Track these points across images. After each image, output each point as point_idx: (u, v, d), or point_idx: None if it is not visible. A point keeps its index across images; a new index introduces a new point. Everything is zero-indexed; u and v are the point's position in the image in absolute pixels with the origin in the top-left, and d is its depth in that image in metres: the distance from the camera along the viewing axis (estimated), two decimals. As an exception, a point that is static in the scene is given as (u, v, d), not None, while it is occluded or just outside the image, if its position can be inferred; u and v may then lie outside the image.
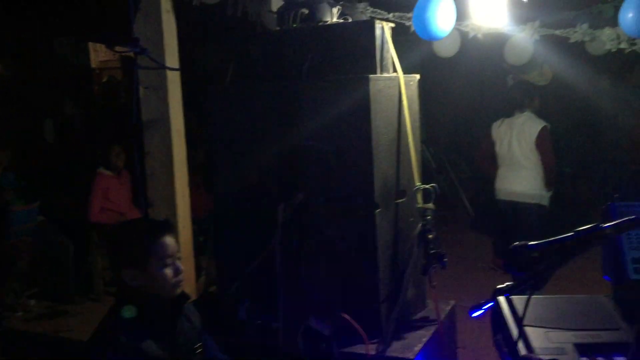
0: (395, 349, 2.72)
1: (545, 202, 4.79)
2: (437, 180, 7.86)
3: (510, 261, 1.47)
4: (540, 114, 4.87)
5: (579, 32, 4.87)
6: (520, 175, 4.78)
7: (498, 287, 1.69)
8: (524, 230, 4.78)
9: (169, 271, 2.00)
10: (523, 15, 4.95)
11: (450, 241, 6.55)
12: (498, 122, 4.95)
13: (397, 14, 4.54)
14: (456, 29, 4.47)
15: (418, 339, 2.83)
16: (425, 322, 3.03)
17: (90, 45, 8.65)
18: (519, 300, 1.82)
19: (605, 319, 1.83)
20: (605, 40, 4.81)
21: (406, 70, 3.21)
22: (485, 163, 5.16)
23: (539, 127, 4.72)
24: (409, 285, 2.96)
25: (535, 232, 4.68)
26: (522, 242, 1.47)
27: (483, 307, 1.79)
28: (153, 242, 1.99)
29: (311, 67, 3.04)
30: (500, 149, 4.89)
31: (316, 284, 2.92)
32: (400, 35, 3.97)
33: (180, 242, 3.45)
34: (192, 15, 4.23)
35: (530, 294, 1.60)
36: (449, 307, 3.27)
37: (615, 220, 1.71)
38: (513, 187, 4.84)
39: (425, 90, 8.94)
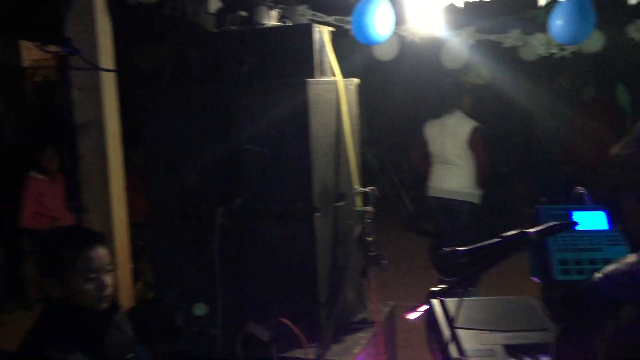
0: (334, 352, 2.73)
1: (476, 200, 4.93)
2: (379, 181, 8.00)
3: (440, 266, 1.50)
4: (472, 114, 4.99)
5: (512, 38, 5.04)
6: (453, 174, 4.91)
7: (432, 289, 1.72)
8: (458, 229, 4.91)
9: (91, 286, 1.93)
10: (459, 21, 5.08)
11: (392, 241, 6.65)
12: (430, 122, 5.06)
13: (337, 17, 4.57)
14: (395, 33, 4.54)
15: (357, 342, 2.85)
16: (364, 324, 3.06)
17: (23, 43, 8.32)
18: (452, 302, 1.86)
19: (534, 320, 1.90)
20: (536, 45, 4.99)
21: (349, 73, 3.23)
22: (419, 162, 5.28)
23: (470, 128, 4.83)
24: (348, 288, 2.98)
25: (469, 231, 4.81)
26: (451, 248, 1.51)
27: (418, 310, 1.83)
28: (77, 254, 1.92)
29: (249, 71, 3.01)
30: (433, 148, 5.01)
31: (255, 289, 2.90)
32: (341, 38, 4.00)
33: (117, 248, 3.36)
34: (128, 15, 4.13)
35: (462, 297, 1.63)
36: (388, 309, 3.31)
37: (542, 224, 1.77)
38: (445, 185, 4.96)
39: (368, 92, 9.04)
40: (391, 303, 3.37)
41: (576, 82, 6.35)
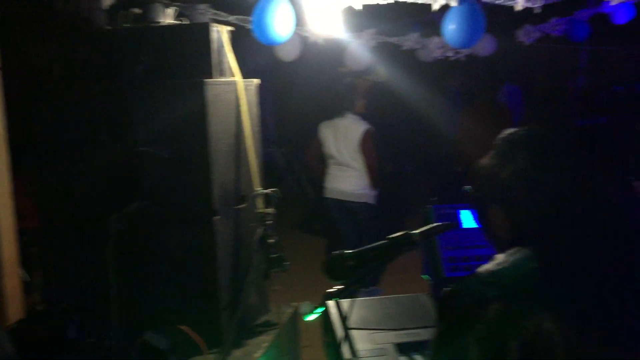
0: (235, 357, 2.70)
1: (372, 200, 5.02)
2: (286, 180, 8.00)
3: (328, 270, 1.52)
4: (366, 116, 5.05)
5: (411, 41, 5.20)
6: (348, 175, 4.98)
7: (327, 291, 1.73)
8: (359, 229, 5.00)
9: None
10: (360, 23, 5.18)
11: (298, 241, 6.69)
12: (325, 124, 5.09)
13: (239, 16, 4.53)
14: (297, 33, 4.56)
15: (259, 345, 2.84)
16: (266, 326, 3.05)
17: None
18: (346, 303, 1.89)
19: (424, 317, 1.96)
20: (433, 48, 5.17)
21: (255, 73, 3.19)
22: (313, 163, 5.31)
23: (362, 130, 4.88)
24: (250, 291, 2.96)
25: (370, 231, 4.90)
26: (339, 252, 1.52)
27: (314, 312, 1.84)
28: None
29: (145, 70, 2.92)
30: (328, 150, 5.05)
31: (154, 296, 2.82)
32: (245, 37, 3.96)
33: (4, 257, 3.16)
34: (17, 8, 3.89)
35: (355, 298, 1.65)
36: (292, 310, 3.31)
37: (432, 223, 1.83)
38: (341, 187, 5.03)
39: (275, 91, 9.01)
40: (294, 304, 3.38)
41: (466, 84, 6.64)
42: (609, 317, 1.23)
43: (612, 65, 8.84)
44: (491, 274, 1.29)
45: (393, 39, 5.13)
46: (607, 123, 8.46)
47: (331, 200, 5.13)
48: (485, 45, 5.42)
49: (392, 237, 1.55)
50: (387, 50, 5.29)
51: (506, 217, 1.37)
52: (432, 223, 2.21)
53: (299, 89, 8.04)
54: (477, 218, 1.47)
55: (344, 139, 4.93)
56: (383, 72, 5.93)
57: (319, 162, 5.21)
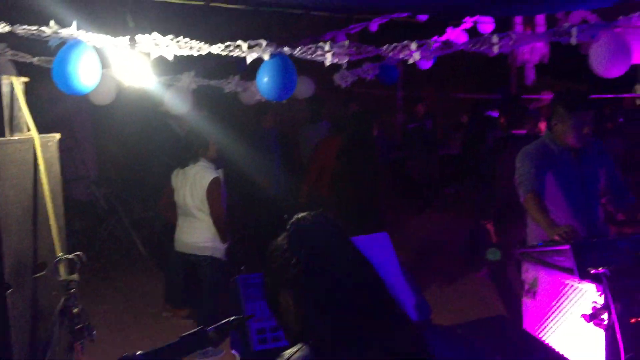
0: None
1: (219, 254, 4.73)
2: (108, 222, 7.55)
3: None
4: (219, 162, 4.83)
5: (232, 83, 5.20)
6: (194, 227, 4.68)
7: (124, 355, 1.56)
8: (202, 286, 4.74)
9: None
10: (181, 66, 5.07)
11: (120, 287, 6.32)
12: (176, 171, 4.80)
13: (43, 57, 4.20)
14: (110, 76, 4.34)
15: None
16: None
17: None
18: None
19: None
20: (255, 90, 5.20)
21: (72, 113, 2.94)
22: (167, 212, 4.98)
23: (210, 179, 4.60)
24: (51, 367, 2.70)
25: (213, 288, 4.63)
26: (131, 354, 1.43)
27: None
28: None
29: None
30: (178, 198, 4.76)
31: None
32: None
33: None
34: None
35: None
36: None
37: (242, 294, 1.79)
38: (187, 239, 4.74)
39: (98, 130, 8.50)
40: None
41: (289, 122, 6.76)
42: None
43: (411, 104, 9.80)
44: None
45: (214, 82, 5.08)
46: (401, 155, 9.38)
47: (177, 254, 4.82)
48: (304, 89, 5.59)
49: (187, 335, 1.49)
50: (211, 92, 5.22)
51: (294, 305, 1.36)
52: (240, 295, 2.19)
53: (120, 129, 7.69)
54: (269, 303, 1.45)
55: (191, 188, 4.63)
56: (205, 114, 5.84)
57: (172, 211, 4.84)
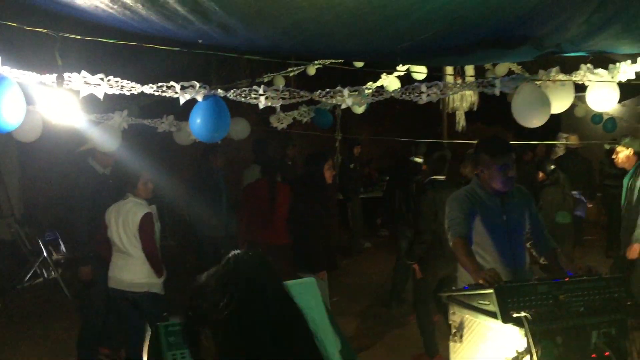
0: None
1: (156, 289, 4.67)
2: (31, 262, 7.22)
3: None
4: (151, 199, 4.77)
5: (166, 123, 5.15)
6: (128, 263, 4.59)
7: None
8: (130, 322, 4.61)
9: None
10: (115, 104, 4.99)
11: (41, 335, 6.02)
12: (110, 208, 4.69)
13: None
14: (37, 113, 4.22)
15: None
16: None
17: None
18: None
19: None
20: (189, 131, 5.17)
21: None
22: (101, 249, 4.83)
23: (142, 214, 4.57)
24: None
25: (152, 319, 4.48)
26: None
27: None
28: None
29: None
30: (111, 235, 4.64)
31: None
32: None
33: None
34: None
35: None
36: None
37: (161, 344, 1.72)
38: (122, 276, 4.62)
39: (24, 163, 8.20)
40: None
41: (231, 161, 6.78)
42: None
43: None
44: None
45: (147, 121, 5.01)
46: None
47: (114, 291, 4.65)
48: (239, 130, 5.60)
49: None
50: (146, 131, 5.13)
51: (215, 344, 1.33)
52: (161, 344, 2.12)
53: (47, 167, 7.45)
54: (188, 341, 1.41)
55: (124, 224, 4.55)
56: (137, 152, 5.73)
57: (107, 249, 4.69)
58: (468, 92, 7.51)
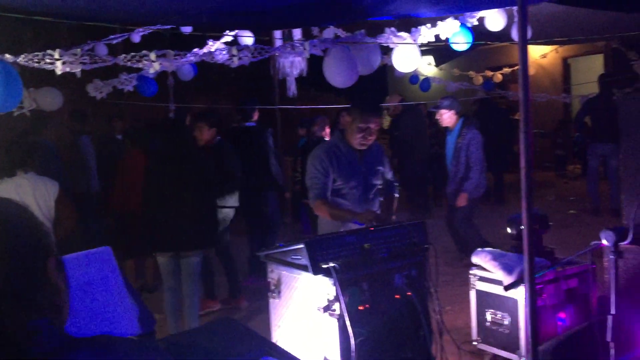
0: None
1: None
2: None
3: None
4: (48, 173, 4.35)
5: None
6: None
7: None
8: None
9: None
10: None
11: None
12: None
13: None
14: None
15: None
16: None
17: None
18: None
19: None
20: None
21: None
22: None
23: (56, 187, 4.22)
24: None
25: None
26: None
27: None
28: None
29: None
30: None
31: None
32: None
33: None
34: None
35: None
36: None
37: None
38: None
39: None
40: None
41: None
42: None
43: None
44: None
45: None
46: None
47: None
48: (49, 100, 5.22)
49: None
50: None
51: None
52: None
53: None
54: None
55: (36, 199, 4.15)
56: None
57: None
58: (297, 59, 7.64)
